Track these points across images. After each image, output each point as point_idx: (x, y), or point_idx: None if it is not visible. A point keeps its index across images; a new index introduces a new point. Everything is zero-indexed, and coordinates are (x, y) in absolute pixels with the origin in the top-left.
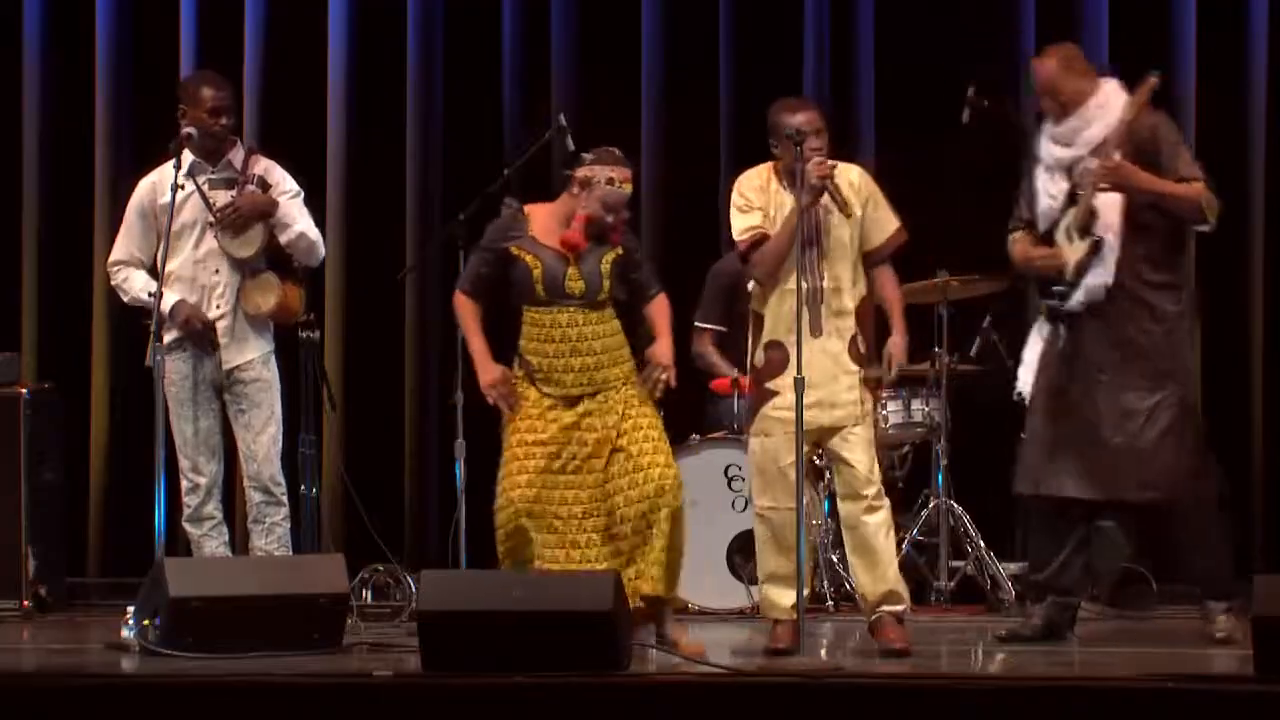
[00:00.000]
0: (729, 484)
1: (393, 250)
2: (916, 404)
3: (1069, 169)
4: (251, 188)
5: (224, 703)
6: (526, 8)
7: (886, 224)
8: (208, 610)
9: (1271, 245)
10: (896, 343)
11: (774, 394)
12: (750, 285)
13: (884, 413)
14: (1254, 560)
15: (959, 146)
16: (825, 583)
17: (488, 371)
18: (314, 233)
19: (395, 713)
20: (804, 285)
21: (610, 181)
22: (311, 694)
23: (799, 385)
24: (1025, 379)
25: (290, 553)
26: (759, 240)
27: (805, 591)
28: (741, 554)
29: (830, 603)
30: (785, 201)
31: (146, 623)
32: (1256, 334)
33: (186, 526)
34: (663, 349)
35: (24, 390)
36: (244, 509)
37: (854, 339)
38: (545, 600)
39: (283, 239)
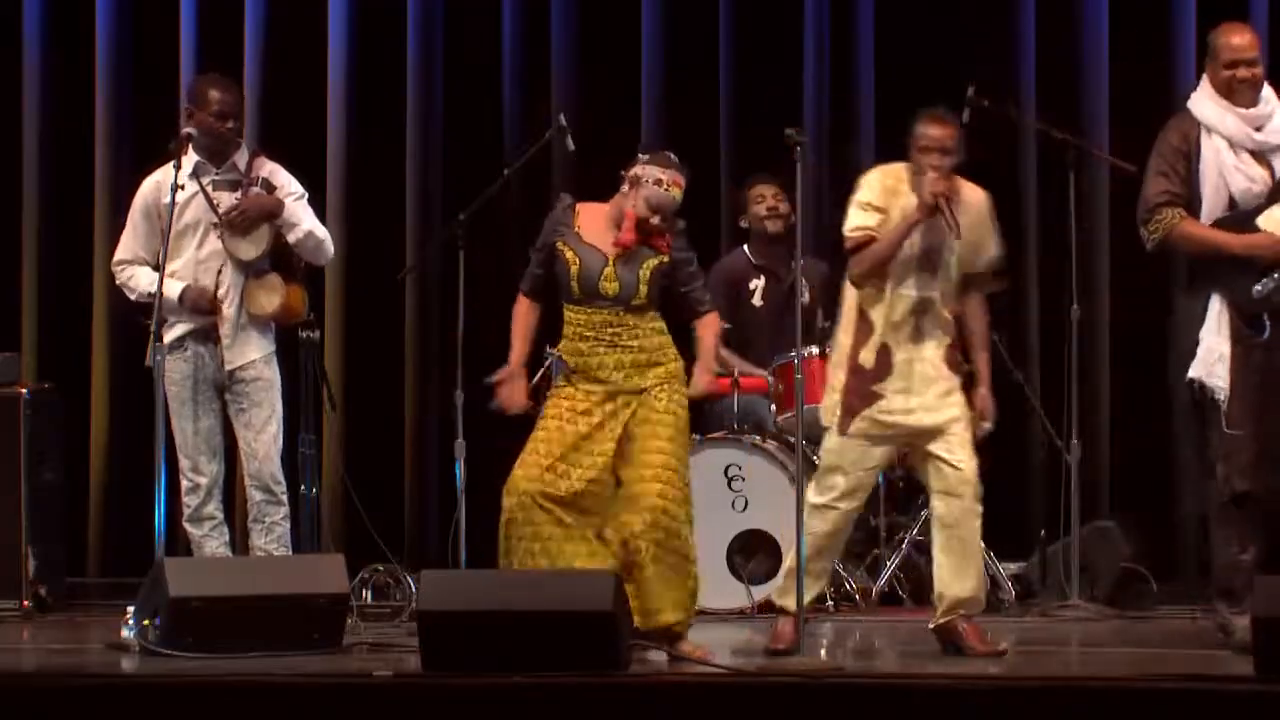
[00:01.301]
0: (729, 484)
1: (393, 250)
2: None
3: (1255, 154)
4: (256, 189)
5: (224, 703)
6: (526, 8)
7: (988, 254)
8: (208, 610)
9: None
10: (984, 396)
11: (879, 397)
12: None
13: None
14: None
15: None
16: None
17: (504, 368)
18: (321, 230)
19: (395, 713)
20: (914, 295)
21: (659, 183)
22: (311, 694)
23: (799, 385)
24: (1222, 374)
25: (290, 552)
26: (865, 242)
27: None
28: (742, 554)
29: (830, 603)
30: (912, 204)
31: (146, 623)
32: None
33: (187, 527)
34: (703, 366)
35: (24, 390)
36: (244, 509)
37: (950, 348)
38: (545, 600)
39: (291, 238)
